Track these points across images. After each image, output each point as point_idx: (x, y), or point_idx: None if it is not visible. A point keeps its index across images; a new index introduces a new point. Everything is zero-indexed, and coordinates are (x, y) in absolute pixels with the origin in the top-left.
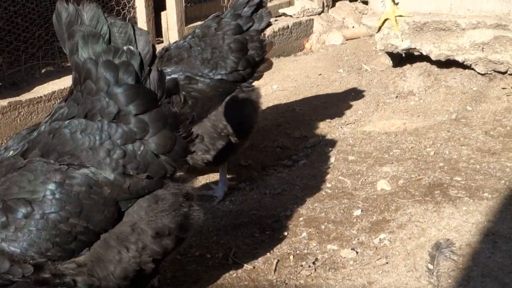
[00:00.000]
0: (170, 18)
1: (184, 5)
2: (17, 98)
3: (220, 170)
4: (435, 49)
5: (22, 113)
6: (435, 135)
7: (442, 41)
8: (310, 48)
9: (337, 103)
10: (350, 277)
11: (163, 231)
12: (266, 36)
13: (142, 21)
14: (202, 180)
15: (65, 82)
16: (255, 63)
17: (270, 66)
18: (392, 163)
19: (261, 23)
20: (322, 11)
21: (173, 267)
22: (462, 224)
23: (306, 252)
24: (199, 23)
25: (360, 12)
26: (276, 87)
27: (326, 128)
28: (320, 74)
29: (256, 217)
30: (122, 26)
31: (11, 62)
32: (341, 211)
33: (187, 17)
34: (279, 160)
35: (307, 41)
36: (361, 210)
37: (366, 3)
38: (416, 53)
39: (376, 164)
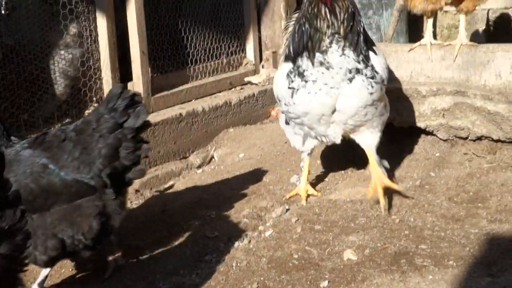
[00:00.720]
0: (137, 88)
1: (150, 75)
2: None
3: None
4: (398, 116)
5: None
6: (400, 202)
7: (404, 108)
8: (276, 116)
9: None
10: None
11: None
12: (232, 104)
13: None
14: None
15: None
16: (124, 168)
17: (142, 174)
18: (358, 231)
19: (137, 120)
20: None
21: None
22: None
23: None
24: (166, 92)
25: None
26: (242, 155)
27: (293, 197)
28: (286, 142)
29: None
30: None
31: None
32: (308, 282)
33: (154, 87)
34: (245, 231)
35: (273, 108)
36: (328, 282)
37: None
38: None
39: (343, 233)
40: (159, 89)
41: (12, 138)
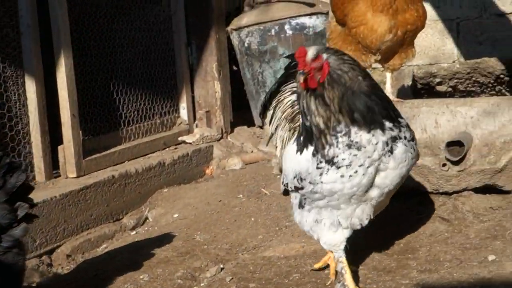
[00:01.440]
0: (68, 151)
1: (81, 138)
2: None
3: None
4: None
5: None
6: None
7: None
8: (211, 174)
9: (237, 230)
10: None
11: None
12: (166, 164)
13: (38, 156)
14: None
15: None
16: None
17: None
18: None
19: (16, 182)
20: (222, 137)
21: None
22: None
23: None
24: (98, 155)
25: (258, 137)
26: (177, 215)
27: (227, 255)
28: (220, 201)
29: None
30: None
31: None
32: None
33: (85, 150)
34: None
35: (208, 167)
36: None
37: (262, 127)
38: None
39: None
40: (91, 152)
41: None
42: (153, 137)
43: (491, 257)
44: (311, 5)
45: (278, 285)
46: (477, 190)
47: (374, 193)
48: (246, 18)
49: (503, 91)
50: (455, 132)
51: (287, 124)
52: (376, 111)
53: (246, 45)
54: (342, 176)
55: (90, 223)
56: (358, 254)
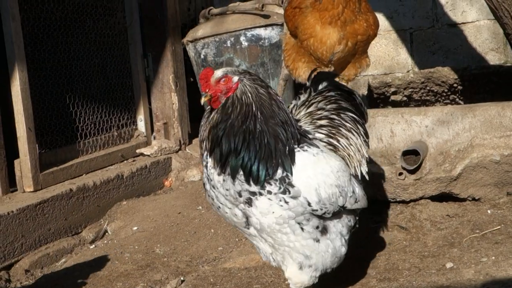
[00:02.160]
0: (24, 165)
1: (38, 151)
2: None
3: None
4: None
5: None
6: None
7: None
8: (170, 186)
9: (197, 242)
10: None
11: None
12: (124, 177)
13: None
14: None
15: None
16: None
17: None
18: None
19: None
20: (180, 149)
21: None
22: None
23: None
24: (55, 168)
25: None
26: (136, 228)
27: (187, 268)
28: (179, 213)
29: None
30: None
31: None
32: None
33: (42, 163)
34: None
35: (167, 179)
36: None
37: None
38: None
39: None
40: (48, 165)
41: None
42: (111, 150)
43: (449, 265)
44: (266, 16)
45: None
46: (434, 198)
47: (252, 231)
48: (202, 30)
49: (457, 100)
50: (411, 141)
51: None
52: (241, 157)
53: (202, 56)
54: (212, 199)
55: (48, 238)
56: None
